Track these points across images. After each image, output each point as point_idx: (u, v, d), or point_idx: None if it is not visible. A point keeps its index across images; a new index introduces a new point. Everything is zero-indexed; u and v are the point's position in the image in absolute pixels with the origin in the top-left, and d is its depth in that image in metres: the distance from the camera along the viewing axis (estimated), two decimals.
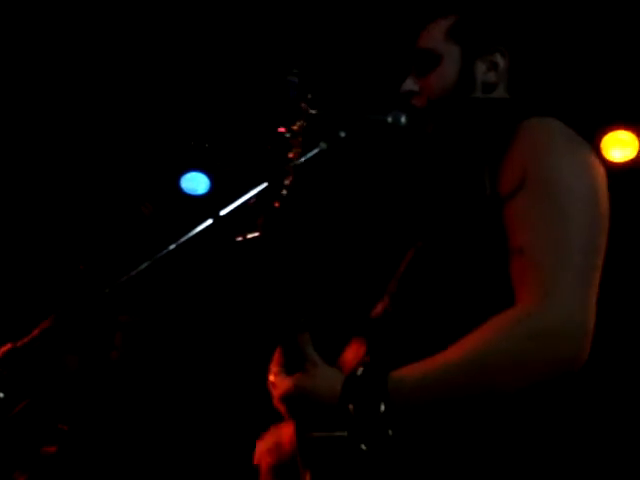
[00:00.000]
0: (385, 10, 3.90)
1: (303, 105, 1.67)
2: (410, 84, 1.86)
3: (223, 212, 1.64)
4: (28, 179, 4.91)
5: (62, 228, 4.92)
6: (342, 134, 1.76)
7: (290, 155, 1.59)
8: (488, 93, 1.84)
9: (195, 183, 4.99)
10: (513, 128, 1.63)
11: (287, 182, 1.58)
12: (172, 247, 1.60)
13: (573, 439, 1.57)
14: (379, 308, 1.77)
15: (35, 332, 1.54)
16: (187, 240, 1.63)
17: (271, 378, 1.61)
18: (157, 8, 4.28)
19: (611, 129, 4.24)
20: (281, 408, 1.58)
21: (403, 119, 1.80)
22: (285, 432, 1.75)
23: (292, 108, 1.62)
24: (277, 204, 1.59)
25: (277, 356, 1.62)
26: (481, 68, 1.83)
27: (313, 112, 1.73)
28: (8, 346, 1.51)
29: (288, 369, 1.55)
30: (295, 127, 1.64)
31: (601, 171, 1.61)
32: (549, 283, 1.45)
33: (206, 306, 4.89)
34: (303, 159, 1.73)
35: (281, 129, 1.60)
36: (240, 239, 1.66)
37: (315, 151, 1.73)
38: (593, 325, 1.46)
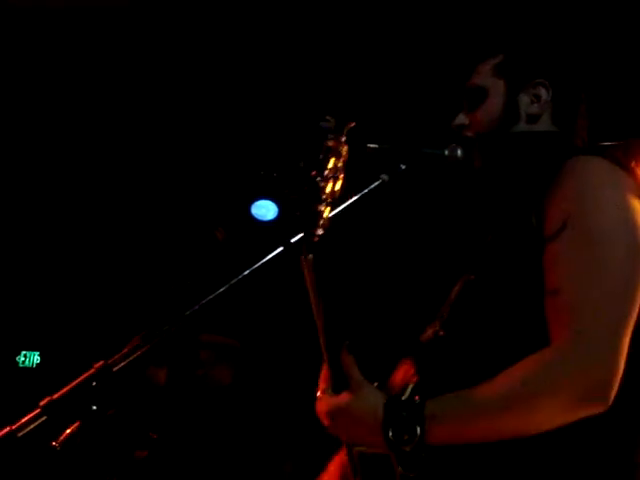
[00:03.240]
0: (439, 51, 4.01)
1: (334, 144, 1.67)
2: (461, 119, 1.93)
3: (293, 239, 1.69)
4: (123, 208, 5.15)
5: (149, 252, 5.14)
6: (402, 167, 1.85)
7: (323, 197, 1.61)
8: (532, 124, 1.88)
9: (264, 210, 5.17)
10: (559, 165, 1.66)
11: (321, 222, 1.60)
12: (246, 272, 1.71)
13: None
14: (429, 332, 1.82)
15: (125, 350, 1.66)
16: (260, 265, 1.73)
17: (318, 394, 1.67)
18: (226, 46, 4.49)
19: None
20: (325, 423, 1.64)
21: (459, 152, 1.88)
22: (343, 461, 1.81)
23: (325, 151, 1.64)
24: (316, 238, 1.61)
25: (324, 374, 1.68)
26: (525, 101, 1.88)
27: (374, 146, 1.85)
28: (101, 363, 1.60)
29: (335, 388, 1.62)
30: (330, 166, 1.66)
31: None
32: (583, 326, 1.48)
33: (275, 327, 5.03)
34: (366, 190, 1.84)
35: (313, 173, 1.62)
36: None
37: (377, 183, 1.83)
38: (622, 370, 1.48)
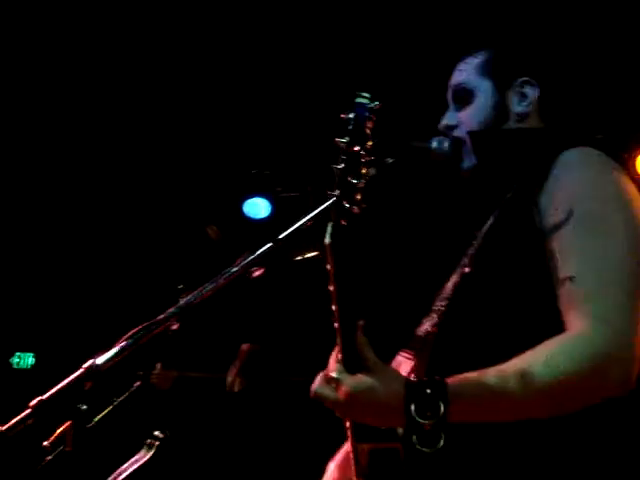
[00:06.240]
0: (423, 48, 4.03)
1: (371, 125, 1.60)
2: (449, 118, 1.95)
3: (282, 235, 1.65)
4: (115, 207, 5.15)
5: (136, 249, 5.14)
6: (389, 160, 1.85)
7: (363, 171, 1.54)
8: (521, 122, 1.91)
9: (257, 208, 5.17)
10: (551, 158, 1.70)
11: (358, 197, 1.54)
12: (234, 269, 1.69)
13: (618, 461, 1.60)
14: (426, 325, 1.83)
15: (113, 348, 1.65)
16: (249, 262, 1.72)
17: (330, 374, 1.56)
18: (224, 35, 4.49)
19: None
20: (339, 409, 1.55)
21: (446, 145, 1.90)
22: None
23: (362, 128, 1.57)
24: (344, 221, 1.55)
25: (332, 360, 1.61)
26: (513, 100, 1.92)
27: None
28: (89, 362, 1.54)
29: (349, 369, 1.53)
30: (368, 146, 1.57)
31: (638, 197, 1.67)
32: (600, 309, 1.51)
33: (266, 321, 5.05)
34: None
35: (356, 148, 1.54)
36: (299, 259, 1.75)
37: None
38: None
